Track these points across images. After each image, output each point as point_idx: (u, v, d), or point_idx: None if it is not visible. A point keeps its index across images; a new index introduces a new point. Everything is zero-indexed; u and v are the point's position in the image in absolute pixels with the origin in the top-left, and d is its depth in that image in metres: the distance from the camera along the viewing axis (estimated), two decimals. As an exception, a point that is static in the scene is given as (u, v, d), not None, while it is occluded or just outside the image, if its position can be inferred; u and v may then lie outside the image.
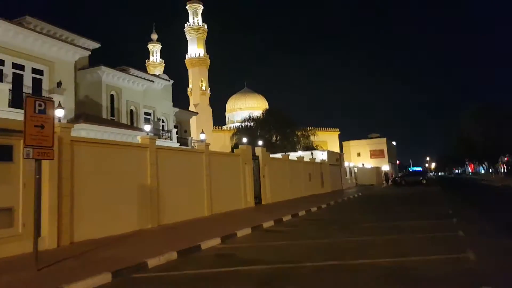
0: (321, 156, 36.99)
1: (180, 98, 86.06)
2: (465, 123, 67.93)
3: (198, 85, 76.88)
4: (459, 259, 8.01)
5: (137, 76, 32.52)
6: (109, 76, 29.47)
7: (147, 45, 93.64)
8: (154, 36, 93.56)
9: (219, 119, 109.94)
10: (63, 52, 23.49)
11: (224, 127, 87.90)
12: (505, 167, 77.98)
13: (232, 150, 53.11)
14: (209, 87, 78.82)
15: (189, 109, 76.38)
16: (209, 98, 79.22)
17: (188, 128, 47.73)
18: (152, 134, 24.31)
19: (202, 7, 78.82)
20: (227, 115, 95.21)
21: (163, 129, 38.47)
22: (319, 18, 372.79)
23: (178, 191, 15.03)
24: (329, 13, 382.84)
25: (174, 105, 51.72)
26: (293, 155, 31.79)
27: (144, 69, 35.28)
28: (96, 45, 30.79)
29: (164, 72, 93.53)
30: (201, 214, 16.31)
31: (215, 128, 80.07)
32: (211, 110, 78.55)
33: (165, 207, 14.17)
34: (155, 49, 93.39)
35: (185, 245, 9.69)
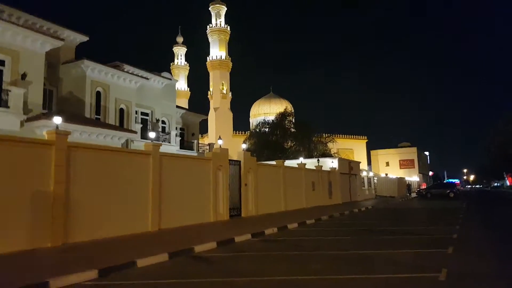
0: (331, 164, 33.37)
1: (203, 101, 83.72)
2: (500, 135, 62.48)
3: (219, 88, 74.45)
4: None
5: (129, 73, 30.14)
6: (95, 71, 27.19)
7: (172, 48, 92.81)
8: (180, 39, 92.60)
9: (244, 124, 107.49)
10: (29, 41, 21.26)
11: (248, 132, 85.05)
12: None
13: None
14: (230, 90, 76.23)
15: (209, 113, 74.38)
16: (231, 102, 76.61)
17: (196, 132, 45.07)
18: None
19: (226, 8, 76.47)
20: (251, 120, 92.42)
21: (163, 131, 36.04)
22: (351, 26, 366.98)
23: (105, 201, 12.23)
24: (363, 21, 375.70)
25: (194, 110, 49.45)
26: (293, 162, 28.46)
27: (143, 66, 32.78)
28: (84, 38, 28.80)
29: (189, 75, 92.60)
30: (143, 229, 13.42)
31: (236, 133, 77.37)
32: (231, 114, 75.93)
33: (82, 220, 11.39)
34: (180, 52, 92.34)
35: (31, 280, 6.79)
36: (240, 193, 19.54)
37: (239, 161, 19.86)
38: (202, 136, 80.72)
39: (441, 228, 15.74)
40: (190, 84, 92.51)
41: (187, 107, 73.68)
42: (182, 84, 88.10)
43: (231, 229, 14.79)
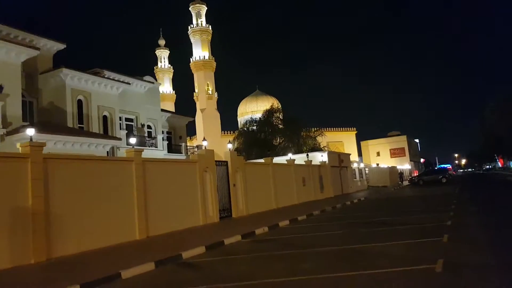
0: (320, 158, 33.16)
1: (190, 103, 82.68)
2: (490, 117, 63.09)
3: (204, 89, 73.86)
4: None
5: (110, 78, 29.60)
6: (75, 79, 26.63)
7: (155, 51, 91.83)
8: (162, 42, 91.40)
9: (233, 124, 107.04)
10: (3, 52, 20.63)
11: (236, 131, 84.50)
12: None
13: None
14: (216, 91, 75.72)
15: (196, 114, 73.85)
16: (218, 102, 76.15)
17: (183, 134, 44.60)
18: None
19: (206, 8, 75.80)
20: (239, 119, 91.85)
21: (149, 136, 35.54)
22: (335, 22, 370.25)
23: (88, 212, 11.82)
24: (347, 16, 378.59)
25: (181, 112, 48.79)
26: (282, 159, 28.22)
27: (124, 71, 32.29)
28: (61, 46, 28.15)
29: (174, 78, 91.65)
30: (130, 238, 13.02)
31: (224, 133, 76.94)
32: (218, 114, 75.47)
33: (65, 234, 10.99)
34: (163, 55, 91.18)
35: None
36: (229, 194, 19.21)
37: (226, 162, 19.53)
38: (190, 138, 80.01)
39: (435, 215, 15.54)
40: (175, 86, 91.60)
41: (173, 110, 72.96)
42: (167, 87, 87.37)
43: (221, 231, 14.46)
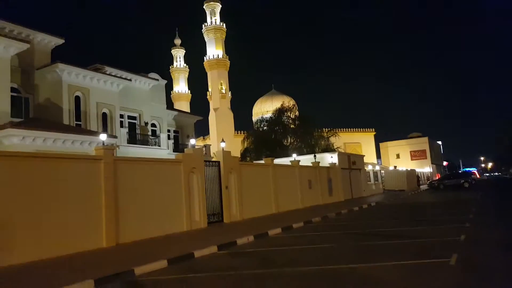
0: (330, 159, 31.31)
1: (205, 103, 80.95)
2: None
3: (218, 88, 72.61)
4: None
5: (112, 75, 28.49)
6: (72, 75, 25.60)
7: (171, 50, 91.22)
8: (177, 41, 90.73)
9: (248, 124, 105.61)
10: (-10, 46, 19.80)
11: (251, 131, 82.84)
12: None
13: (242, 156, 48.35)
14: (230, 90, 74.39)
15: (209, 113, 72.74)
16: (233, 102, 75.10)
17: (191, 133, 43.31)
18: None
19: (220, 6, 74.66)
20: (253, 119, 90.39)
21: (153, 135, 34.36)
22: (354, 22, 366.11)
23: (43, 218, 10.47)
24: (366, 16, 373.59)
25: (196, 112, 47.68)
26: (286, 160, 26.54)
27: (128, 68, 31.20)
28: (60, 41, 27.27)
29: (189, 77, 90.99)
30: (95, 245, 11.62)
31: (238, 133, 75.53)
32: (232, 114, 74.05)
33: (8, 243, 9.63)
34: (178, 54, 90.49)
35: None
36: (221, 197, 17.69)
37: (218, 162, 18.01)
38: (204, 138, 79.02)
39: (447, 226, 13.71)
40: (191, 86, 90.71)
41: (188, 110, 72.08)
42: (182, 87, 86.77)
43: (200, 240, 12.92)
